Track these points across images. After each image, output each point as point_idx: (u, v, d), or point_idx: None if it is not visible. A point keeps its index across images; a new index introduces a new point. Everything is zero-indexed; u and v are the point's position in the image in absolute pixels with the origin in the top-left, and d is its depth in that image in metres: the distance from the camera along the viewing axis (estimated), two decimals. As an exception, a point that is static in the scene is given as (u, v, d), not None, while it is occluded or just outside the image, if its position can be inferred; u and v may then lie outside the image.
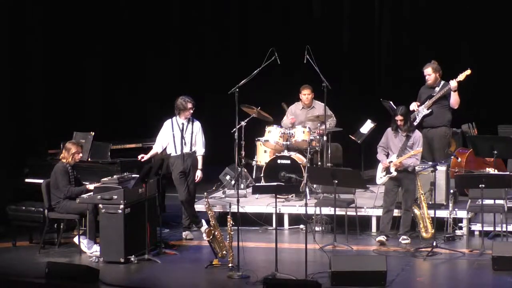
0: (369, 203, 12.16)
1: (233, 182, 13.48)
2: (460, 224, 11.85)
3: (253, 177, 13.74)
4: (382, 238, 11.33)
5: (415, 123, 12.38)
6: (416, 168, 11.73)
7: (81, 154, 11.36)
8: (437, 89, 12.44)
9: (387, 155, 11.56)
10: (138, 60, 16.29)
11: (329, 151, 13.21)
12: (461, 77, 12.24)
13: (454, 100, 12.33)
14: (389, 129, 11.66)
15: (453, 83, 12.23)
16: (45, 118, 14.39)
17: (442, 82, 12.47)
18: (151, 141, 12.36)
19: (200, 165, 11.88)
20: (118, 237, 10.56)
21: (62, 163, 11.18)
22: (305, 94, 13.50)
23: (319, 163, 13.25)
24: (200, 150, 11.90)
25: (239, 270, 10.00)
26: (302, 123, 13.40)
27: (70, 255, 11.03)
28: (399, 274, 10.01)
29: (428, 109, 12.40)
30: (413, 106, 12.51)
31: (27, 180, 12.46)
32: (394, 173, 11.40)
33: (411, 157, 11.32)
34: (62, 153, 11.26)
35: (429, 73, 12.47)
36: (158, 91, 16.11)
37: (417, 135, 11.53)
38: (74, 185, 11.18)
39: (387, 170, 11.44)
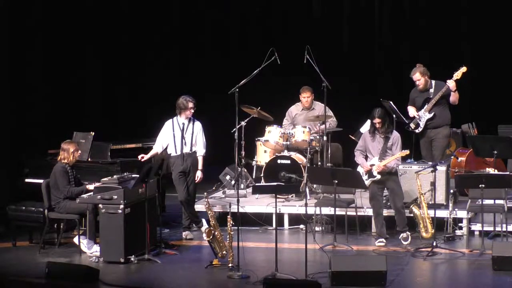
0: (369, 203, 12.14)
1: (233, 182, 13.48)
2: (460, 224, 11.85)
3: (253, 177, 13.74)
4: (381, 243, 11.33)
5: (419, 129, 12.40)
6: (416, 168, 11.74)
7: (79, 151, 11.35)
8: (431, 90, 12.41)
9: (366, 158, 11.55)
10: (138, 60, 16.29)
11: (329, 151, 13.21)
12: (458, 75, 12.21)
13: (455, 97, 12.32)
14: (366, 132, 11.66)
15: (451, 83, 12.20)
16: (45, 118, 14.38)
17: (434, 82, 12.43)
18: (151, 141, 12.36)
19: (200, 166, 11.88)
20: (118, 237, 10.57)
21: (61, 164, 11.17)
22: (305, 97, 13.48)
23: (319, 163, 13.25)
24: (200, 150, 11.90)
25: (239, 270, 10.00)
26: (303, 124, 13.39)
27: (70, 255, 11.03)
28: (399, 274, 10.01)
29: (429, 113, 12.38)
30: (413, 112, 12.46)
31: (27, 180, 12.46)
32: (378, 176, 11.39)
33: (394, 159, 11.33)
34: (60, 155, 11.23)
35: (418, 78, 12.42)
36: (158, 91, 16.11)
37: (396, 135, 11.51)
38: (74, 185, 11.18)
39: (369, 174, 11.44)
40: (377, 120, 11.41)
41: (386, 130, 11.44)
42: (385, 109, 11.98)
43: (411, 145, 12.60)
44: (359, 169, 11.50)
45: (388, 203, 11.74)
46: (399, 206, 11.43)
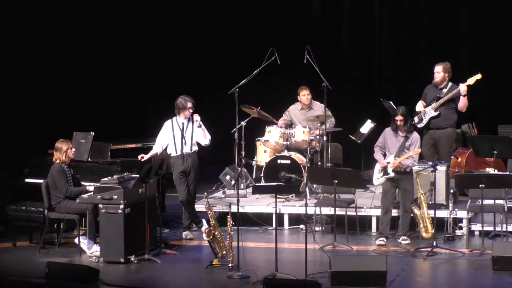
0: (369, 203, 12.15)
1: (233, 182, 13.48)
2: (460, 224, 11.85)
3: (253, 177, 13.75)
4: (381, 242, 11.33)
5: (422, 124, 12.42)
6: (416, 168, 11.74)
7: (73, 149, 11.34)
8: (444, 90, 12.41)
9: (384, 155, 11.57)
10: (138, 60, 16.29)
11: (329, 151, 13.21)
12: (471, 81, 12.17)
13: (463, 104, 12.30)
14: (387, 129, 11.65)
15: (462, 87, 12.18)
16: (45, 118, 14.39)
17: (450, 84, 12.43)
18: (151, 141, 12.36)
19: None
20: (118, 237, 10.56)
21: (58, 164, 11.17)
22: (305, 94, 13.50)
23: (319, 163, 13.25)
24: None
25: (239, 270, 10.00)
26: (302, 123, 13.40)
27: (70, 255, 11.03)
28: (399, 274, 10.01)
29: (435, 111, 12.38)
30: (420, 106, 12.47)
31: (27, 180, 12.45)
32: (392, 174, 11.40)
33: (409, 158, 11.33)
34: (55, 155, 11.24)
35: (439, 71, 12.42)
36: (158, 91, 16.11)
37: (415, 136, 11.53)
38: (72, 184, 11.18)
39: (384, 170, 11.45)
40: (399, 118, 11.41)
41: (407, 129, 11.45)
42: (386, 109, 11.99)
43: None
44: (377, 165, 11.50)
45: (396, 202, 11.69)
46: (407, 207, 11.42)
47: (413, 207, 11.46)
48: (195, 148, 11.92)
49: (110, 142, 12.63)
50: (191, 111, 11.82)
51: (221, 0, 16.80)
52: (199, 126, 11.77)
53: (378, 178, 11.54)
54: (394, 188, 11.55)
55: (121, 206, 10.58)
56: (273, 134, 13.32)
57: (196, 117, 11.76)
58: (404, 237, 11.39)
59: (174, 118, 11.91)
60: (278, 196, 10.48)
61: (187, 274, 10.33)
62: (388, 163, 11.42)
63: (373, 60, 16.23)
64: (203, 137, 11.87)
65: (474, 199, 11.47)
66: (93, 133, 12.44)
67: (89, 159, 12.34)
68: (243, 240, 10.23)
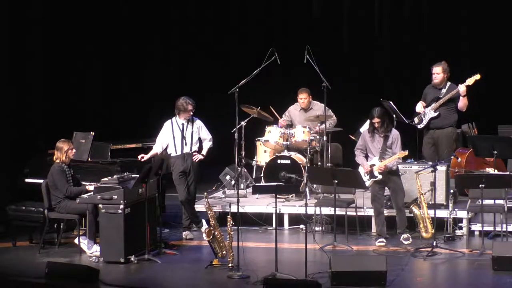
0: (369, 203, 12.13)
1: (233, 182, 13.48)
2: (460, 224, 11.85)
3: (253, 177, 13.75)
4: (381, 243, 11.33)
5: (422, 125, 12.44)
6: (416, 168, 11.73)
7: (74, 150, 11.35)
8: (443, 90, 12.42)
9: (366, 157, 11.55)
10: (138, 60, 16.29)
11: (329, 151, 13.21)
12: (470, 81, 12.19)
13: (463, 104, 12.32)
14: (365, 131, 11.65)
15: (461, 88, 12.20)
16: (45, 118, 14.39)
17: (449, 84, 12.44)
18: (151, 141, 12.37)
19: (204, 152, 11.91)
20: (118, 237, 10.57)
21: (58, 164, 11.18)
22: (302, 98, 13.50)
23: (319, 163, 13.25)
24: (207, 143, 11.94)
25: (239, 270, 10.00)
26: (301, 124, 13.41)
27: (70, 255, 11.03)
28: (399, 274, 10.01)
29: (435, 111, 12.39)
30: (419, 107, 12.49)
31: (27, 180, 12.46)
32: (380, 176, 11.39)
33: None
34: (55, 154, 11.24)
35: (438, 72, 12.43)
36: (158, 91, 16.11)
37: (395, 133, 11.51)
38: (72, 184, 11.18)
39: (370, 173, 11.43)
40: (376, 120, 11.40)
41: (386, 130, 11.44)
42: (385, 109, 11.98)
43: (415, 144, 12.62)
44: (360, 169, 11.51)
45: (389, 203, 11.74)
46: (400, 205, 11.43)
47: (413, 207, 11.46)
48: (195, 148, 11.92)
49: (110, 142, 12.63)
50: (191, 113, 11.83)
51: (221, 0, 16.79)
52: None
53: (364, 181, 11.50)
54: (382, 190, 11.55)
55: (121, 206, 10.58)
56: (273, 134, 13.32)
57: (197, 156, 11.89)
58: (405, 236, 11.37)
59: (174, 118, 11.92)
60: (278, 196, 10.48)
61: (187, 274, 10.33)
62: (373, 165, 11.41)
63: (373, 60, 16.23)
64: (206, 136, 11.94)
65: (474, 199, 11.48)
66: (93, 133, 12.45)
67: (89, 159, 12.34)
68: (243, 240, 10.23)
